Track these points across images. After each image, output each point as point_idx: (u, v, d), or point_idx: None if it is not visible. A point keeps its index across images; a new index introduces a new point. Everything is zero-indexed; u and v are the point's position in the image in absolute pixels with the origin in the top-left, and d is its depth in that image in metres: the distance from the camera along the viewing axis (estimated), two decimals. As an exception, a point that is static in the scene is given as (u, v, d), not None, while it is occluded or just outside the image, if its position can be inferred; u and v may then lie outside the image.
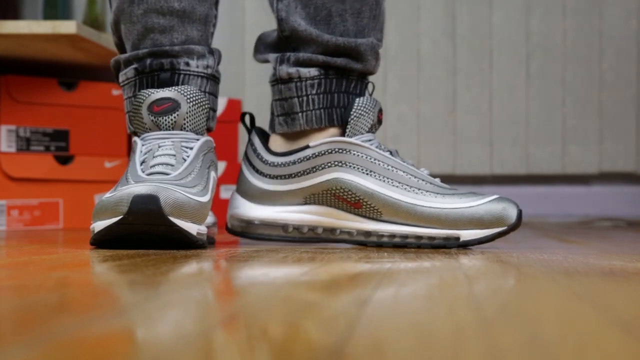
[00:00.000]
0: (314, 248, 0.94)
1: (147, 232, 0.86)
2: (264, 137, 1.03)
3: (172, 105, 0.97)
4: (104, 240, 0.88)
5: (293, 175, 0.99)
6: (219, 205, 1.59)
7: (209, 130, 1.03)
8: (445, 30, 2.19)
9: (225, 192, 1.75)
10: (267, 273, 0.66)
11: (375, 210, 0.96)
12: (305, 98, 1.01)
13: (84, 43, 1.45)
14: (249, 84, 2.20)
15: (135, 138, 0.98)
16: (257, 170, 1.01)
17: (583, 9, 2.17)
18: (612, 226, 1.71)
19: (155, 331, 0.38)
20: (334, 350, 0.34)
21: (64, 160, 1.58)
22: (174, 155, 0.94)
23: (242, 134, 2.16)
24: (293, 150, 0.99)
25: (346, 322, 0.41)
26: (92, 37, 1.45)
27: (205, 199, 0.92)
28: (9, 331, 0.38)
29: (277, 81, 1.02)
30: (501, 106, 2.18)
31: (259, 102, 2.11)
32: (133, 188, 0.85)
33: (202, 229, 0.90)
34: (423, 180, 0.97)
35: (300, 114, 1.01)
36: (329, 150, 0.97)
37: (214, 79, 1.03)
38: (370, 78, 1.06)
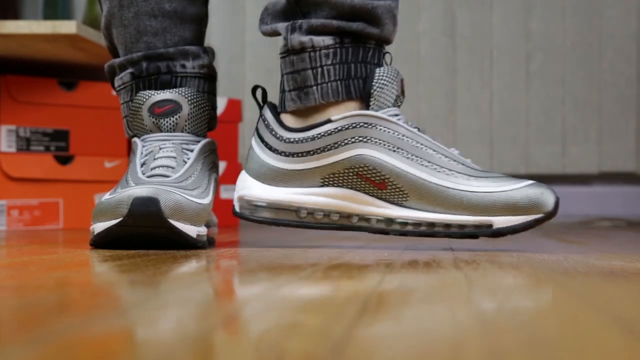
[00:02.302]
0: (313, 248, 0.94)
1: (147, 235, 0.86)
2: (277, 114, 0.93)
3: (174, 107, 0.96)
4: (103, 242, 0.88)
5: (312, 152, 0.90)
6: (219, 206, 1.59)
7: (210, 129, 1.03)
8: (445, 30, 2.19)
9: (225, 193, 1.75)
10: (266, 273, 0.66)
11: (401, 192, 0.89)
12: (320, 69, 0.92)
13: (84, 43, 1.45)
14: (249, 84, 2.20)
15: (135, 139, 0.98)
16: (270, 148, 0.92)
17: (583, 9, 2.17)
18: (612, 226, 1.71)
19: (155, 331, 0.38)
20: (333, 351, 0.34)
21: (64, 160, 1.58)
22: (175, 158, 0.94)
23: (242, 133, 2.16)
24: (312, 125, 0.91)
25: (346, 323, 0.41)
26: (92, 37, 1.45)
27: (206, 201, 0.92)
28: (9, 331, 0.38)
29: (289, 52, 0.93)
30: (501, 106, 2.18)
31: (259, 102, 2.11)
32: (133, 190, 0.85)
33: (202, 230, 0.90)
34: (454, 160, 0.89)
35: (315, 87, 0.92)
36: (353, 125, 0.89)
37: (210, 77, 1.03)
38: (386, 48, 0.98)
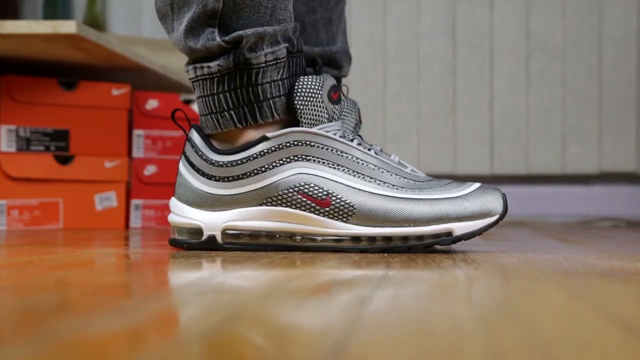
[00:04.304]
0: (312, 248, 0.94)
1: None
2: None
3: (340, 95, 0.90)
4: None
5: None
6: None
7: None
8: (445, 30, 2.19)
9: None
10: (267, 273, 0.66)
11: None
12: None
13: (84, 43, 1.45)
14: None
15: (334, 134, 0.88)
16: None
17: (583, 9, 2.17)
18: (612, 226, 1.71)
19: (155, 331, 0.38)
20: (333, 350, 0.34)
21: (64, 160, 1.58)
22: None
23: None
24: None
25: (346, 322, 0.41)
26: (92, 37, 1.45)
27: None
28: (9, 331, 0.38)
29: None
30: (501, 106, 2.18)
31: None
32: (492, 189, 0.87)
33: None
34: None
35: None
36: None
37: None
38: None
